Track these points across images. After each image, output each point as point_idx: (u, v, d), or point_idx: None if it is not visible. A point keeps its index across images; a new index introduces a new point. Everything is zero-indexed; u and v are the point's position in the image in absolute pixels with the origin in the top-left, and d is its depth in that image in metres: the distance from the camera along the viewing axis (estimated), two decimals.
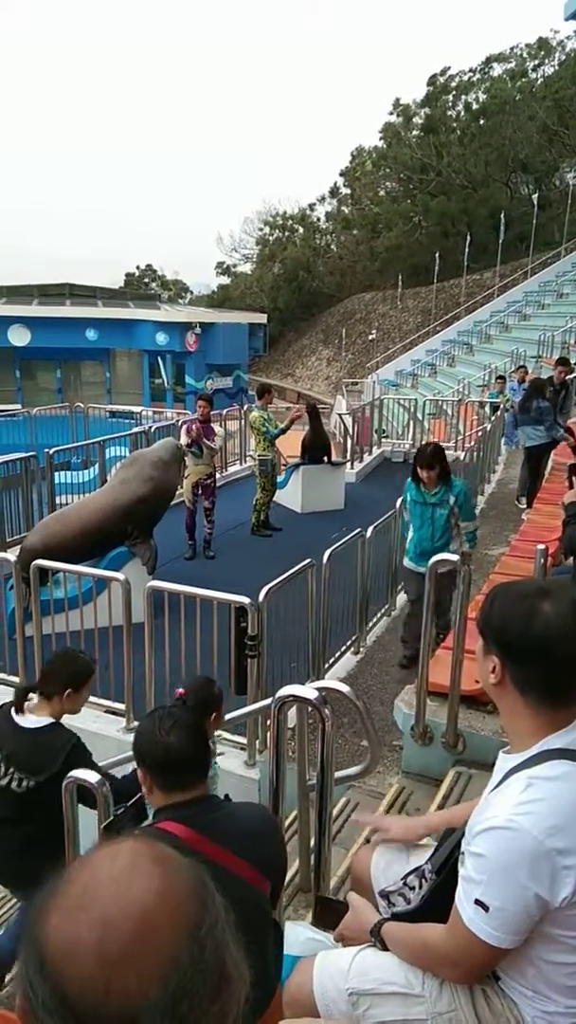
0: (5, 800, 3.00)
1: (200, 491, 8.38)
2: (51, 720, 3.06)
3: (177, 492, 8.04)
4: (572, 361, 12.36)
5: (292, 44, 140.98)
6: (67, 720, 5.07)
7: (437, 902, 1.66)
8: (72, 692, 3.10)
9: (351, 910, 1.85)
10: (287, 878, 3.23)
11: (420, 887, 1.77)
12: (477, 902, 1.45)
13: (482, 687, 4.29)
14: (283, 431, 9.15)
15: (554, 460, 9.68)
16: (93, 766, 2.87)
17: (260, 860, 1.63)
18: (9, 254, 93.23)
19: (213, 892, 0.70)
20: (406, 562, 5.64)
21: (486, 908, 1.44)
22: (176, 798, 1.73)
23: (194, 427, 8.28)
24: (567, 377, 10.76)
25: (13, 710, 3.09)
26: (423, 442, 7.53)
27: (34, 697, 3.16)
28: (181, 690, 2.80)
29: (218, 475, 9.10)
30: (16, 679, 5.36)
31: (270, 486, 9.38)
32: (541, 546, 4.05)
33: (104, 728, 4.94)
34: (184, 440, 8.29)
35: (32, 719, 3.05)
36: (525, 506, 9.45)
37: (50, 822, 2.76)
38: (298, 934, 1.94)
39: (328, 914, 1.95)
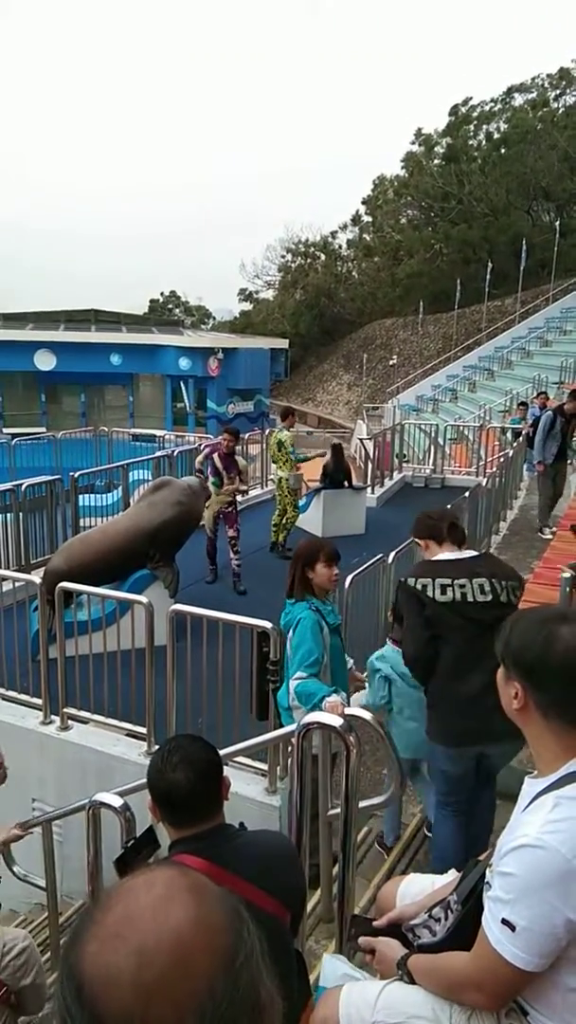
0: (489, 629, 2.77)
1: (222, 519, 8.26)
2: None
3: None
4: None
5: (316, 75, 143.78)
6: (89, 742, 5.11)
7: (463, 933, 1.64)
8: None
9: (380, 944, 1.83)
10: (308, 908, 3.19)
11: (446, 918, 1.75)
12: (504, 922, 1.44)
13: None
14: (306, 459, 9.18)
15: None
16: None
17: (280, 890, 1.61)
18: (37, 277, 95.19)
19: (248, 922, 0.70)
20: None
21: (513, 928, 1.43)
22: (185, 832, 1.70)
23: (215, 456, 8.15)
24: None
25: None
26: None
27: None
28: None
29: (239, 498, 8.94)
30: (39, 700, 5.39)
31: (292, 508, 9.40)
32: (567, 574, 4.02)
33: (125, 752, 4.94)
34: (200, 458, 8.31)
35: (470, 551, 3.22)
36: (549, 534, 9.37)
37: None
38: (336, 967, 1.91)
39: (361, 926, 1.92)
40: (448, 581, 3.00)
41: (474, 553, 3.20)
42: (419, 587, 3.05)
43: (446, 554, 3.18)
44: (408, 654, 3.19)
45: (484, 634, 2.84)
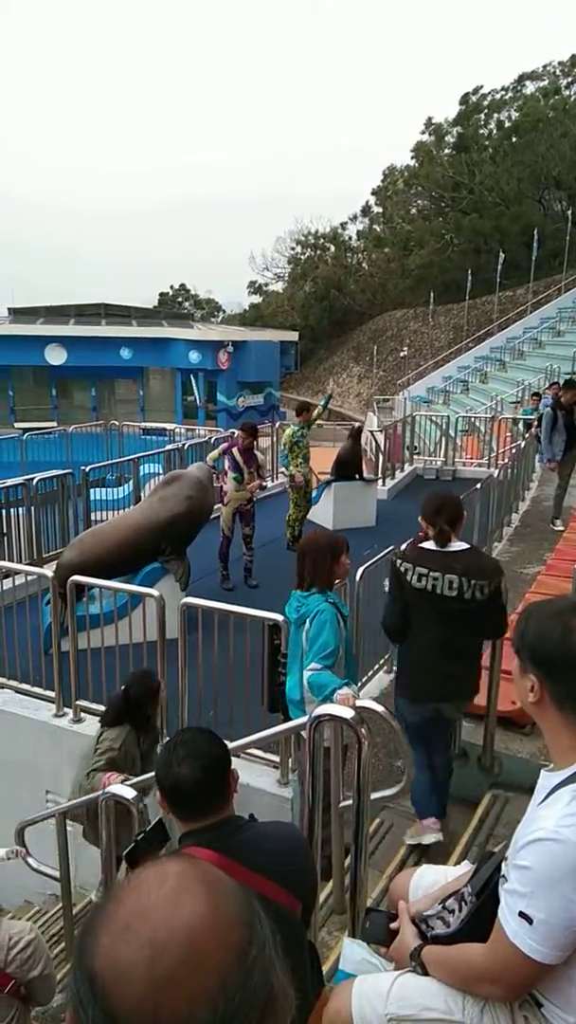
0: (463, 616, 3.35)
1: (240, 517, 8.15)
2: None
3: (216, 516, 7.98)
4: None
5: (318, 73, 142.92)
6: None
7: (477, 925, 1.64)
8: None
9: (403, 928, 1.83)
10: (320, 900, 3.20)
11: (460, 910, 1.75)
12: (521, 915, 1.44)
13: (519, 708, 4.24)
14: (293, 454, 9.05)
15: None
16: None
17: (291, 881, 1.60)
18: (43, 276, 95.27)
19: (260, 915, 0.70)
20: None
21: (530, 921, 1.43)
22: (194, 825, 1.69)
23: (234, 450, 8.00)
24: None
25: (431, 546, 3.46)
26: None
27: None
28: None
29: (259, 493, 8.64)
30: (52, 693, 5.42)
31: (303, 502, 9.38)
32: None
33: None
34: (214, 454, 8.27)
35: (459, 544, 3.46)
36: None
37: (478, 633, 3.47)
38: (355, 952, 1.91)
39: (378, 926, 1.91)
40: (425, 571, 3.35)
41: (462, 547, 3.44)
42: (402, 569, 3.42)
43: (432, 544, 3.46)
44: (384, 621, 3.64)
45: (447, 619, 3.38)
